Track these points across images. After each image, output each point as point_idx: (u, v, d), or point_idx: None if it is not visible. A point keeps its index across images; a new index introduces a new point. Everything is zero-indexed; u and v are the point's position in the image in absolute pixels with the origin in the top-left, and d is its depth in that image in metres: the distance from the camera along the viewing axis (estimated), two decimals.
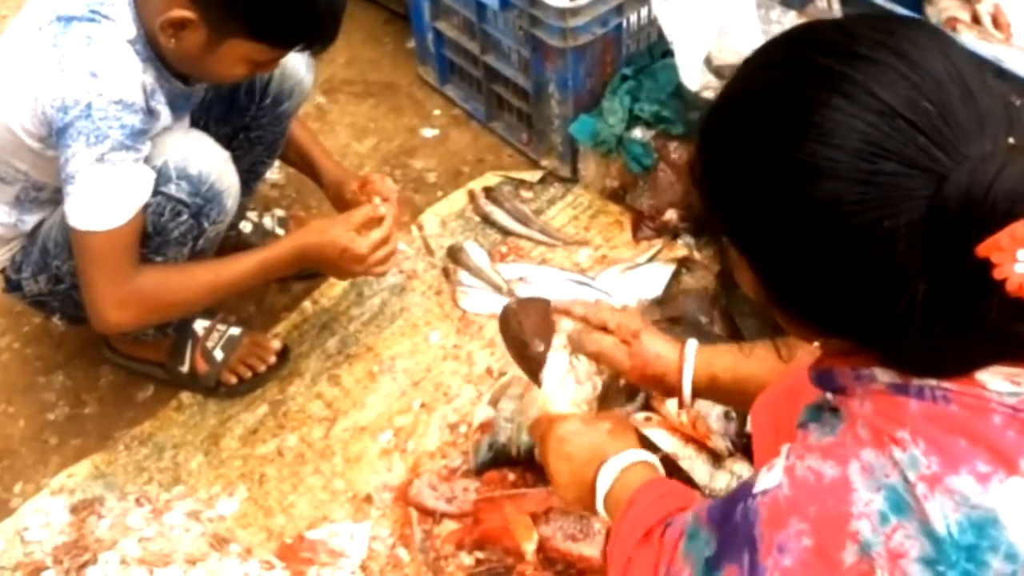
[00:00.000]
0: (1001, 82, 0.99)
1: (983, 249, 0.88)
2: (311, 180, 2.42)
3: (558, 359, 1.75)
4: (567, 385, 1.71)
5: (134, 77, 1.83)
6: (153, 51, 1.87)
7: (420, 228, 2.62)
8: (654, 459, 1.50)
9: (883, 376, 1.02)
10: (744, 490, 1.12)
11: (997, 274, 0.88)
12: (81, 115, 1.77)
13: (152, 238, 1.94)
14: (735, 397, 1.66)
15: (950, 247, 0.90)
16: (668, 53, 2.41)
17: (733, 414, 1.92)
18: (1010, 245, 0.87)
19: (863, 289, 0.95)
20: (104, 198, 1.82)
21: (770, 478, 1.08)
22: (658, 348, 1.68)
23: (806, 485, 1.03)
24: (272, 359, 2.32)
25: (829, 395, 1.09)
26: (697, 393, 1.66)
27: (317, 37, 1.87)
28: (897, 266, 0.92)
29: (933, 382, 0.99)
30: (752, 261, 1.06)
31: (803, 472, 1.04)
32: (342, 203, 2.30)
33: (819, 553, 1.01)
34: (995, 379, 0.98)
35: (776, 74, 1.01)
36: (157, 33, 1.82)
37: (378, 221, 2.13)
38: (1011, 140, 0.93)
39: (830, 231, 0.94)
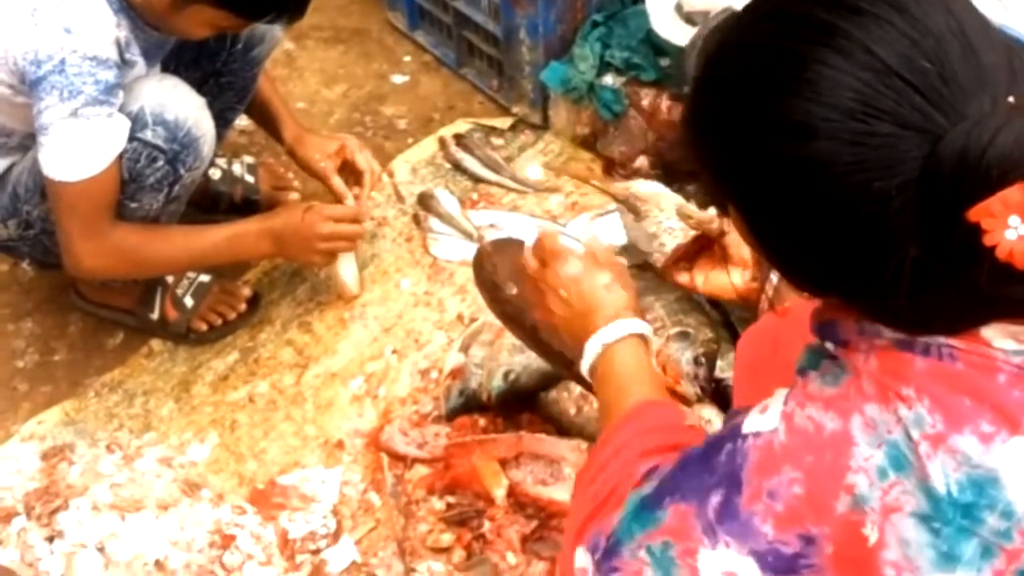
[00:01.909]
0: (1007, 35, 0.96)
1: (974, 214, 0.86)
2: (270, 134, 2.41)
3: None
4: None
5: (107, 33, 1.82)
6: (127, 1, 1.86)
7: (390, 175, 2.61)
8: (646, 328, 1.43)
9: (888, 332, 1.00)
10: (734, 431, 1.09)
11: (987, 240, 0.86)
12: (55, 70, 1.77)
13: (128, 184, 1.94)
14: None
15: (942, 210, 0.88)
16: (639, 0, 2.40)
17: (703, 360, 1.93)
18: (1002, 211, 0.85)
19: (853, 249, 0.93)
20: (78, 149, 1.83)
21: (765, 421, 1.06)
22: None
23: (805, 434, 1.02)
24: (242, 306, 2.31)
25: (830, 345, 1.07)
26: None
27: (284, 10, 1.88)
28: (888, 228, 0.90)
29: (940, 339, 0.97)
30: (743, 215, 1.04)
31: (803, 421, 1.03)
32: (303, 162, 2.31)
33: (810, 501, 1.00)
34: (1000, 337, 0.96)
35: (770, 26, 0.97)
36: None
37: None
38: (1011, 99, 0.90)
39: (821, 191, 0.92)
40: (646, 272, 2.14)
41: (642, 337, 1.41)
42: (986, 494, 0.95)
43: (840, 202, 0.91)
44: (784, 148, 0.93)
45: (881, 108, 0.89)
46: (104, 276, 2.13)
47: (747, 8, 1.02)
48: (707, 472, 1.09)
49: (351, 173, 2.28)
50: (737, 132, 0.98)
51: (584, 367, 1.42)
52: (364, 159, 2.29)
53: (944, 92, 0.89)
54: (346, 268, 2.28)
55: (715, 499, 1.07)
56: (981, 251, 0.86)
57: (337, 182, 2.25)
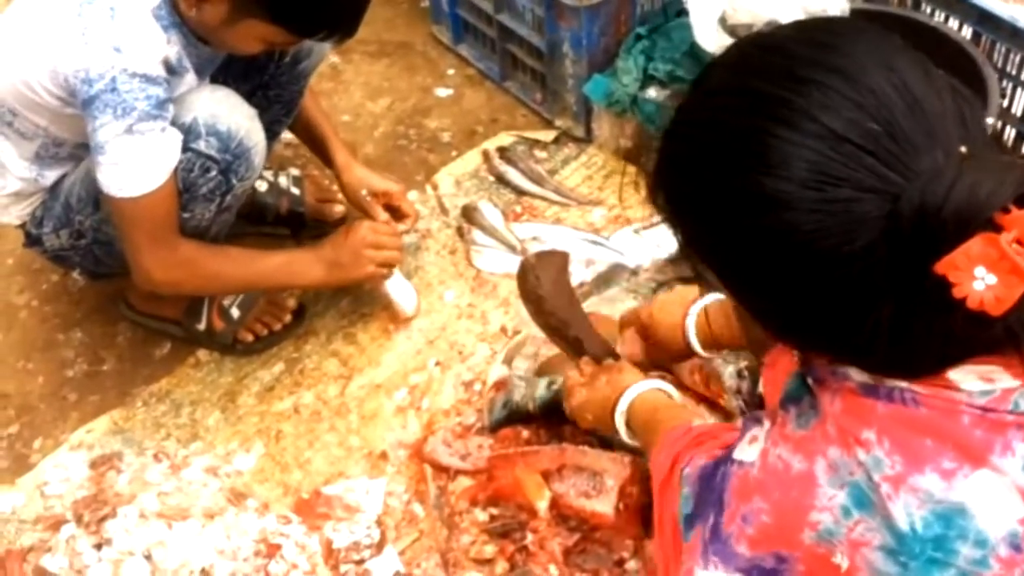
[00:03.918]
0: (948, 75, 0.97)
1: (940, 268, 0.87)
2: (316, 155, 2.44)
3: None
4: None
5: (157, 51, 1.85)
6: (179, 16, 1.89)
7: (434, 187, 2.62)
8: (668, 387, 1.69)
9: (856, 376, 1.03)
10: (727, 453, 1.16)
11: (956, 292, 0.87)
12: (106, 89, 1.80)
13: (181, 194, 1.97)
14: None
15: (909, 267, 0.89)
16: (683, 12, 2.41)
17: (746, 373, 1.93)
18: (966, 263, 0.86)
19: (830, 310, 0.95)
20: (137, 165, 1.86)
21: (749, 452, 1.12)
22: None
23: (775, 472, 1.06)
24: (288, 317, 2.33)
25: (810, 380, 1.10)
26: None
27: (337, 29, 1.90)
28: (860, 287, 0.92)
29: (903, 384, 0.99)
30: (721, 281, 1.06)
31: (774, 460, 1.07)
32: (348, 189, 2.34)
33: (778, 530, 1.05)
34: (968, 378, 0.98)
35: (719, 102, 0.99)
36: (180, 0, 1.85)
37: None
38: (963, 149, 0.91)
39: (788, 259, 0.94)
40: (690, 284, 2.13)
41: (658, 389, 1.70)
42: (955, 525, 0.97)
43: (810, 267, 0.93)
44: (746, 221, 0.95)
45: (836, 175, 0.90)
46: (173, 289, 2.14)
47: (696, 85, 1.05)
48: (710, 491, 1.16)
49: (391, 211, 2.31)
50: (701, 208, 1.01)
51: (618, 421, 1.70)
52: (409, 205, 2.33)
53: (895, 150, 0.90)
54: (398, 289, 2.29)
55: (711, 519, 1.13)
56: (953, 301, 0.88)
57: (379, 211, 2.27)
